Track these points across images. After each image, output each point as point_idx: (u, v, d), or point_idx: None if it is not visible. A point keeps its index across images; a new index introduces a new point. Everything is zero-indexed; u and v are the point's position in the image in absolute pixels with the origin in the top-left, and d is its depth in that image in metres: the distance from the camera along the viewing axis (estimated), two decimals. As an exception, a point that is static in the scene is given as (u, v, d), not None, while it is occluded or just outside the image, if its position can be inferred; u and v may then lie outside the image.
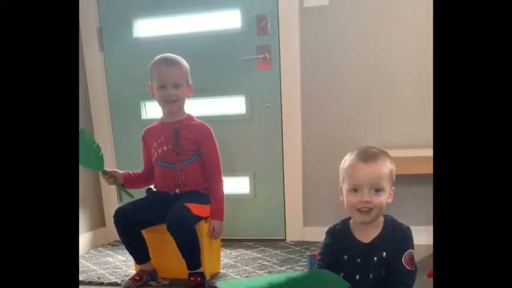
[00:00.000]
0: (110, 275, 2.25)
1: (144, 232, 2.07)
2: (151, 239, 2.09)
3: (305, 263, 2.01)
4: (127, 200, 2.17)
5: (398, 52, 2.37)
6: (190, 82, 2.10)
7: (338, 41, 2.43)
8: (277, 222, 2.64)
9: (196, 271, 2.01)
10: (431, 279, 1.11)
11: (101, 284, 2.16)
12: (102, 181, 2.69)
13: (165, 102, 2.06)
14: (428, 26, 1.04)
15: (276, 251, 2.45)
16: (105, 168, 2.02)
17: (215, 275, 2.17)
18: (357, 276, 1.35)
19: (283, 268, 2.19)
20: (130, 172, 2.12)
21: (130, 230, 2.03)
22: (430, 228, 0.96)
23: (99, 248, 2.74)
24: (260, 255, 2.40)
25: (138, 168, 2.19)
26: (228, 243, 2.54)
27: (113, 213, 2.06)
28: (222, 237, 2.18)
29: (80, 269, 2.32)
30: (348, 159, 1.38)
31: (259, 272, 2.18)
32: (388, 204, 1.35)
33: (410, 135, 2.37)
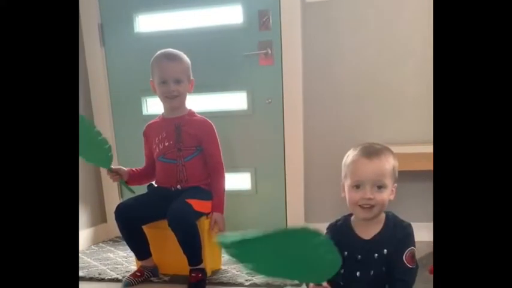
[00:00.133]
0: (111, 271, 2.25)
1: (145, 228, 2.07)
2: (152, 235, 2.09)
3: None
4: (128, 195, 2.16)
5: (400, 47, 2.36)
6: (192, 77, 2.09)
7: (340, 37, 2.42)
8: (278, 218, 2.64)
9: (197, 267, 2.00)
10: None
11: (102, 280, 2.15)
12: (104, 177, 2.71)
13: (166, 98, 2.06)
14: (430, 18, 1.04)
15: (277, 247, 2.44)
16: (112, 166, 2.03)
17: (216, 271, 2.17)
18: (358, 273, 1.34)
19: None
20: (134, 169, 2.13)
21: (131, 225, 2.03)
22: (431, 224, 0.96)
23: (100, 244, 2.74)
24: (261, 252, 2.40)
25: (139, 163, 2.19)
26: (230, 239, 2.53)
27: (114, 209, 2.06)
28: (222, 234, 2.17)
29: (81, 265, 2.33)
30: (350, 154, 1.36)
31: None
32: (390, 201, 1.34)
33: (410, 132, 2.36)
